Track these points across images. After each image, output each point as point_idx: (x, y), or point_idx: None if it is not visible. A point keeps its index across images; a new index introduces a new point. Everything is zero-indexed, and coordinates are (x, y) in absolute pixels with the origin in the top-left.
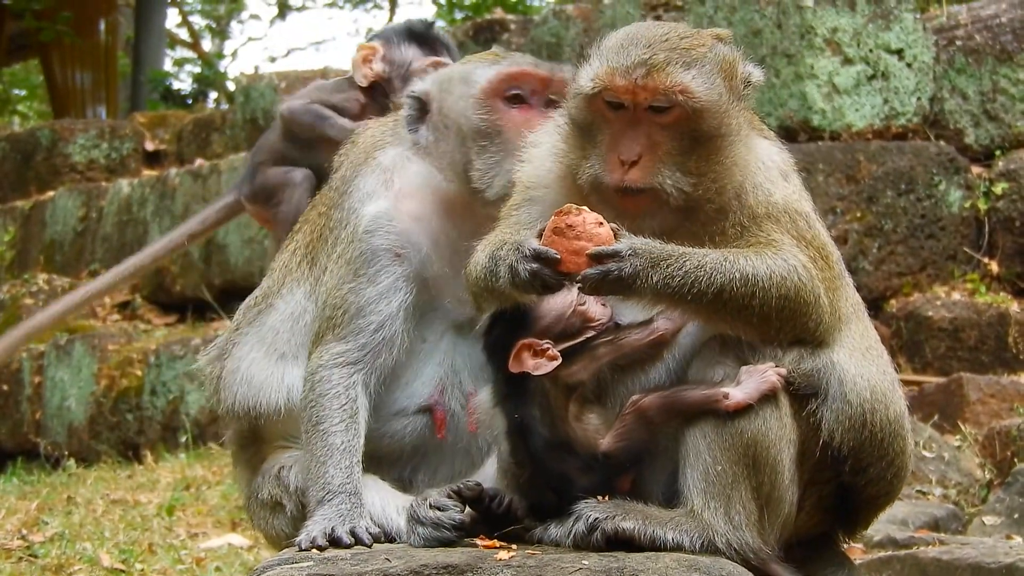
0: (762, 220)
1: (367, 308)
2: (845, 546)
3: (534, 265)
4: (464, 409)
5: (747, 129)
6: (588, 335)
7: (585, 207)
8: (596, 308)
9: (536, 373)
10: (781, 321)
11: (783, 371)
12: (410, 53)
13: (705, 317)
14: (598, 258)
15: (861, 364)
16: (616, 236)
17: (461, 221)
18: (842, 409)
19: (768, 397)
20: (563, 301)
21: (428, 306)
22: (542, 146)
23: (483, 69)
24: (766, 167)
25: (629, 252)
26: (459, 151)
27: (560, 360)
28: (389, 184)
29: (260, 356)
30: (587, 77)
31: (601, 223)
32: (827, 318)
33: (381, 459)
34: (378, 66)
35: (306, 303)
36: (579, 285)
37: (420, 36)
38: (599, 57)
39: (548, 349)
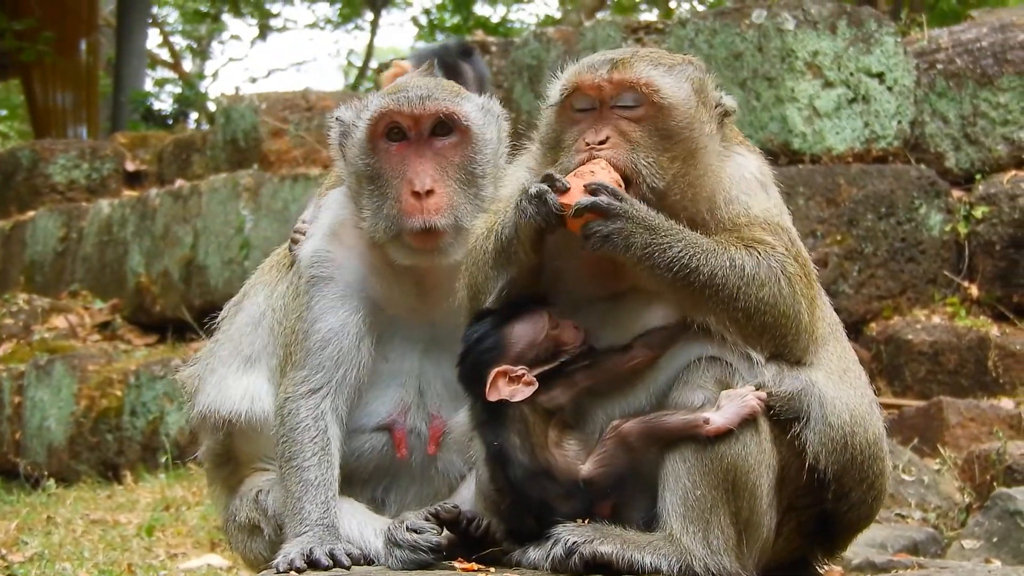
0: (743, 227)
1: (312, 330)
2: (824, 568)
3: (542, 186)
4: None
5: (721, 144)
6: (563, 359)
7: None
8: (569, 332)
9: (513, 400)
10: (764, 325)
11: (763, 395)
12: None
13: (692, 301)
14: (593, 190)
15: (839, 386)
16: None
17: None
18: (825, 432)
19: (748, 422)
20: (535, 327)
21: (385, 325)
22: (516, 172)
23: (373, 101)
24: (745, 180)
25: (625, 201)
26: (353, 189)
27: (537, 385)
28: (326, 221)
29: (228, 356)
30: (555, 89)
31: (618, 181)
32: (805, 335)
33: (352, 479)
34: None
35: (265, 307)
36: (572, 215)
37: (447, 64)
38: (565, 74)
39: (524, 375)
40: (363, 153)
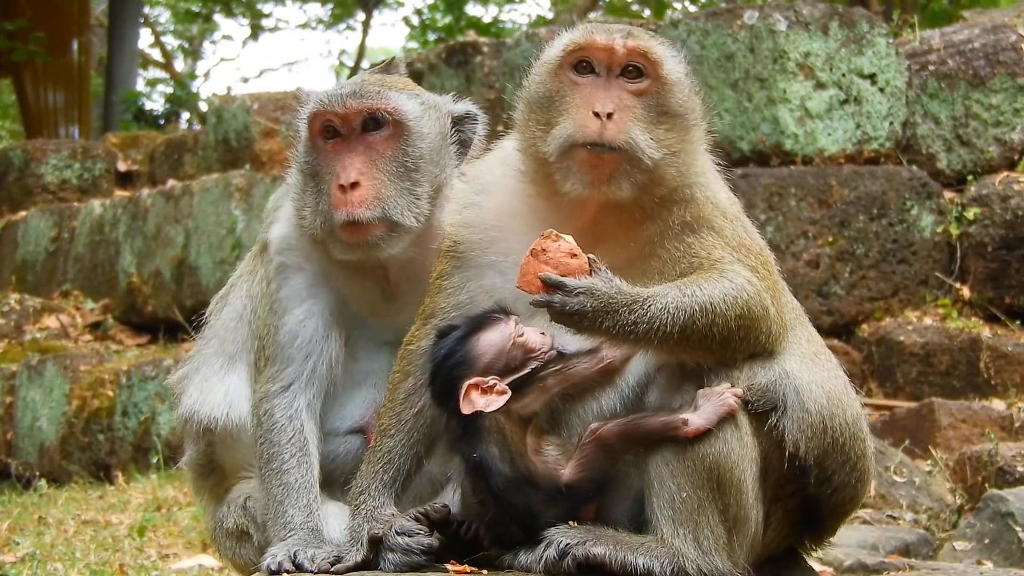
0: (704, 226)
1: (280, 322)
2: (814, 556)
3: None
4: None
5: (704, 134)
6: (533, 366)
7: (566, 235)
8: (535, 338)
9: (488, 410)
10: (738, 340)
11: (739, 391)
12: None
13: (669, 352)
14: (545, 286)
15: (813, 371)
16: (591, 269)
17: None
18: (802, 418)
19: (727, 419)
20: (502, 335)
21: (354, 324)
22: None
23: (308, 102)
24: (710, 169)
25: (580, 290)
26: (298, 189)
27: (510, 394)
28: (290, 207)
29: (212, 355)
30: (558, 46)
31: (575, 254)
32: (775, 327)
33: (329, 482)
34: None
35: (246, 299)
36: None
37: None
38: (568, 33)
39: (495, 384)
40: (304, 152)
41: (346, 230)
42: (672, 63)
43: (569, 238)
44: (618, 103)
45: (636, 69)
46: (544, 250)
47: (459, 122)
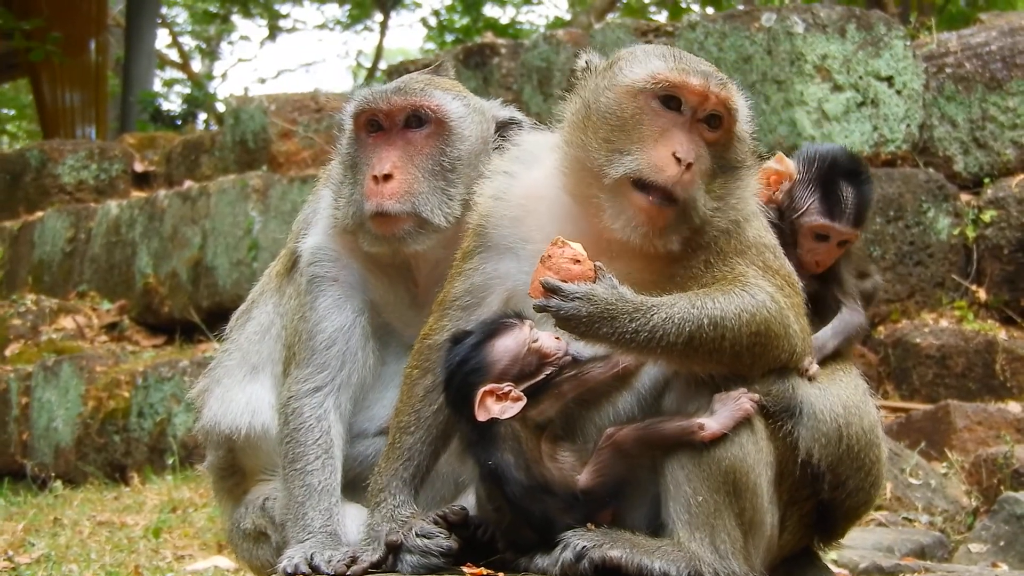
0: (732, 252)
1: (315, 329)
2: (831, 567)
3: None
4: None
5: (754, 179)
6: (548, 372)
7: (573, 243)
8: (550, 343)
9: (503, 417)
10: (753, 356)
11: (756, 396)
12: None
13: (676, 363)
14: (545, 290)
15: (830, 377)
16: (596, 275)
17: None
18: (816, 427)
19: (743, 423)
20: (516, 341)
21: (384, 330)
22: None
23: (356, 97)
24: (755, 207)
25: (577, 295)
26: (336, 181)
27: (525, 400)
28: (325, 218)
29: (235, 366)
30: (644, 72)
31: (578, 260)
32: (800, 345)
33: (355, 484)
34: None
35: (273, 315)
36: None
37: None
38: (646, 58)
39: (511, 391)
40: (348, 144)
41: (375, 221)
42: (745, 117)
43: (577, 245)
44: (697, 152)
45: (717, 119)
46: (550, 256)
47: (502, 128)
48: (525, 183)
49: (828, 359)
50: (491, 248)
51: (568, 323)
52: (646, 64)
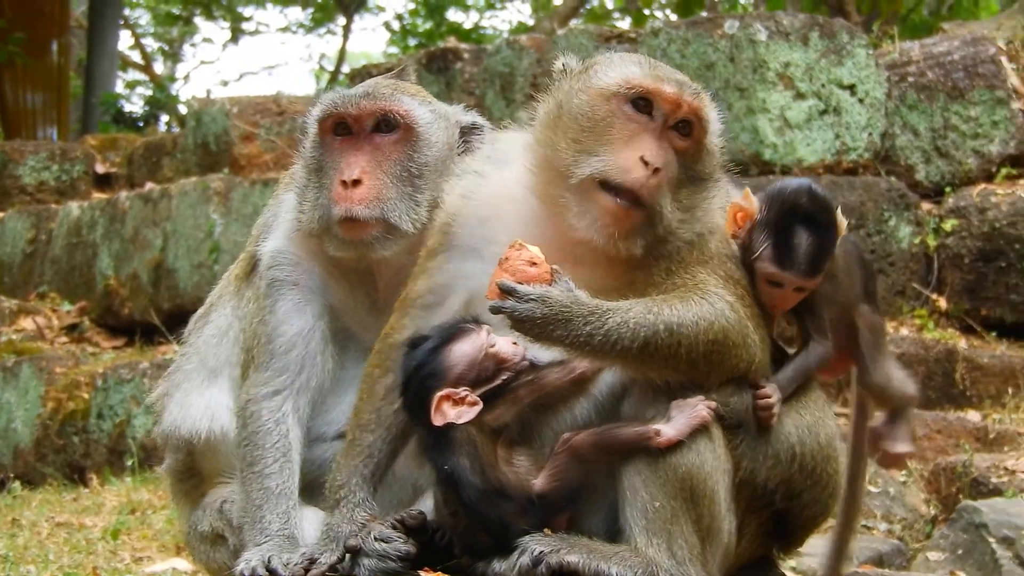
0: (693, 262)
1: (275, 333)
2: (789, 574)
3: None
4: None
5: (722, 192)
6: (505, 377)
7: (532, 246)
8: (507, 348)
9: (460, 422)
10: (710, 365)
11: (713, 404)
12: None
13: (632, 368)
14: (500, 291)
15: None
16: (552, 278)
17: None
18: (761, 449)
19: (700, 430)
20: (474, 346)
21: (343, 334)
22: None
23: (323, 99)
24: (720, 219)
25: (531, 296)
26: (301, 184)
27: (481, 405)
28: (285, 223)
29: (193, 371)
30: (617, 77)
31: (535, 263)
32: (759, 354)
33: (313, 488)
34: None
35: (232, 319)
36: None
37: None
38: (622, 63)
39: (467, 396)
40: (312, 147)
41: (343, 226)
42: (716, 130)
43: (535, 248)
44: (666, 158)
45: (688, 127)
46: (507, 258)
47: (465, 133)
48: (494, 183)
49: None
50: (456, 247)
51: (522, 325)
52: (621, 69)
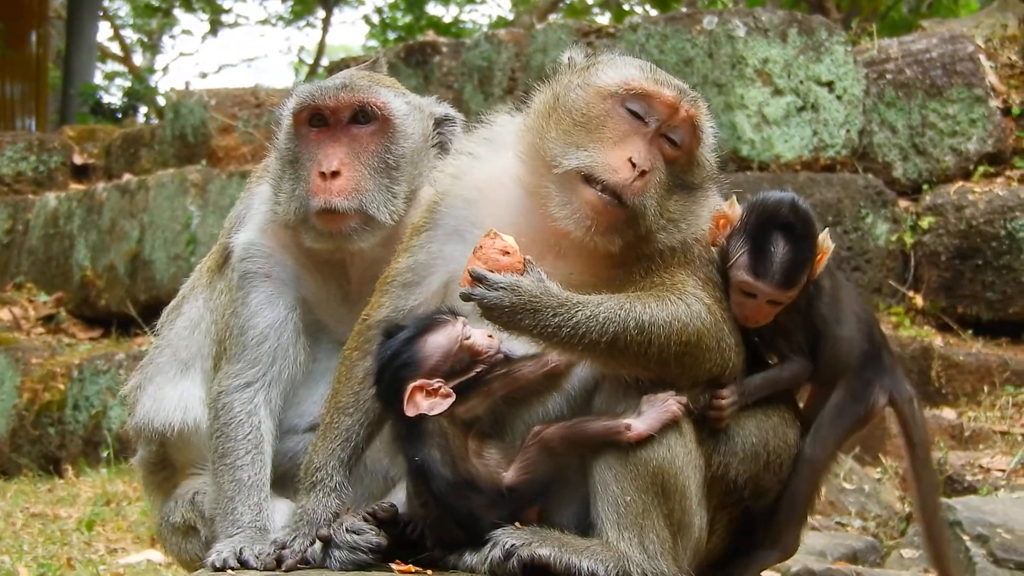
0: (673, 263)
1: (247, 324)
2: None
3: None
4: None
5: (712, 202)
6: (479, 369)
7: (506, 235)
8: (482, 340)
9: (432, 413)
10: (682, 366)
11: (684, 399)
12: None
13: (601, 363)
14: (471, 279)
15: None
16: (524, 268)
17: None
18: (731, 448)
19: (671, 425)
20: (448, 338)
21: (316, 326)
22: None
23: (298, 91)
24: (706, 226)
25: (501, 284)
26: (276, 175)
27: (454, 397)
28: (259, 214)
29: (166, 363)
30: (617, 77)
31: (507, 252)
32: (733, 358)
33: (285, 480)
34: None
35: (204, 311)
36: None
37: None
38: (624, 65)
39: (440, 388)
40: (287, 138)
41: (322, 217)
42: (710, 143)
43: (509, 238)
44: (654, 163)
45: (681, 135)
46: (481, 246)
47: (439, 125)
48: (487, 167)
49: None
50: (440, 227)
51: (491, 312)
52: (623, 70)
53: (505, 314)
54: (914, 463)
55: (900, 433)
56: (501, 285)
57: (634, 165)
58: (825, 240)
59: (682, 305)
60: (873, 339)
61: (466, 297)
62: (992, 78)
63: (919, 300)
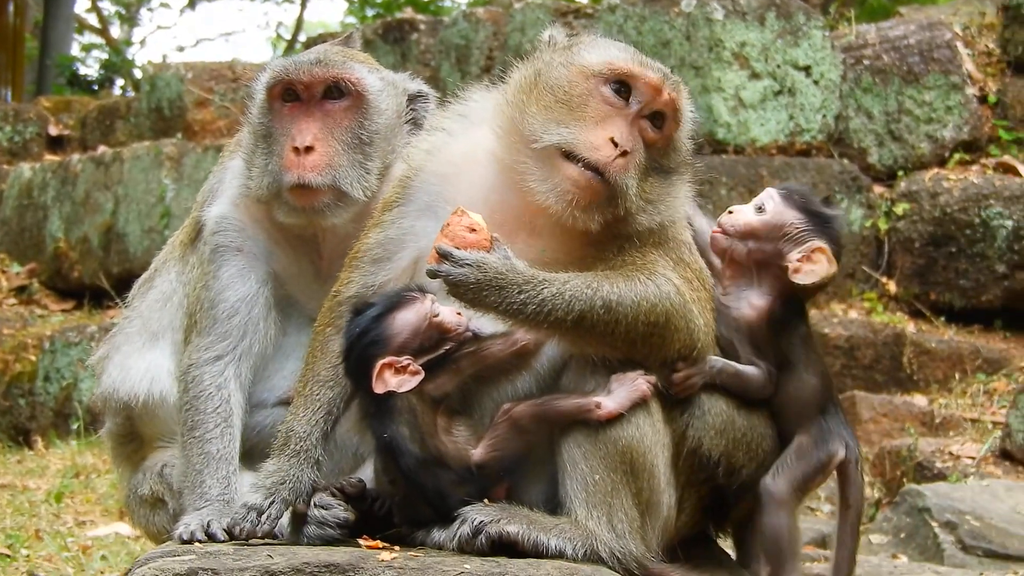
0: (647, 243)
1: (218, 298)
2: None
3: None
4: None
5: (688, 186)
6: (448, 346)
7: (470, 212)
8: (451, 318)
9: (401, 391)
10: (650, 347)
11: (652, 378)
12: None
13: (568, 341)
14: (438, 255)
15: None
16: (491, 246)
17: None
18: (705, 420)
19: (640, 404)
20: (417, 315)
21: (287, 301)
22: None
23: (272, 65)
24: (683, 211)
25: (467, 261)
26: (248, 149)
27: (423, 374)
28: (231, 188)
29: (135, 334)
30: (600, 57)
31: (474, 229)
32: (703, 339)
33: (253, 454)
34: None
35: (176, 284)
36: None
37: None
38: (608, 46)
39: (409, 365)
40: (260, 113)
41: (294, 193)
42: (687, 128)
43: (477, 216)
44: (634, 144)
45: (661, 119)
46: (448, 224)
47: (412, 101)
48: (461, 143)
49: None
50: (412, 203)
51: (457, 289)
52: (607, 51)
53: (471, 291)
54: (843, 525)
55: (838, 493)
56: (467, 262)
57: (616, 144)
58: (832, 264)
59: (651, 285)
60: (833, 395)
61: (432, 274)
62: (969, 66)
63: (892, 286)
